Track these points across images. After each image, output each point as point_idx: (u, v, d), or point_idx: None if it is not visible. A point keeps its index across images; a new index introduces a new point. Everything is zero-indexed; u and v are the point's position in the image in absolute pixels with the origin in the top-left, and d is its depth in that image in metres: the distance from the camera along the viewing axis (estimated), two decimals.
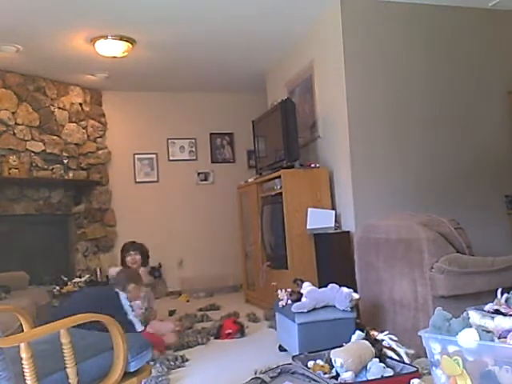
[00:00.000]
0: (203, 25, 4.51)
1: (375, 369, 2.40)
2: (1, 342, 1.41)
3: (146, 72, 5.74)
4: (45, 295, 4.38)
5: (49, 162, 5.57)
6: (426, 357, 2.19)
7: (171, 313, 4.90)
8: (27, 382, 1.46)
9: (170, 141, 6.63)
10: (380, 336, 2.66)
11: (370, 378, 2.37)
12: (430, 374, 2.21)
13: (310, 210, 4.26)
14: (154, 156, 6.55)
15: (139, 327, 3.17)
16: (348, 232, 4.12)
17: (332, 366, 2.49)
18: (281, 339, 3.31)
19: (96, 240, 6.09)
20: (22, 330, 2.07)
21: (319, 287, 3.25)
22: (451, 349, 1.97)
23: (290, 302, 3.17)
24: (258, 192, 5.00)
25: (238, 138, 6.89)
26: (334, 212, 4.25)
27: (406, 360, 2.53)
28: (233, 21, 4.48)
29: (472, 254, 2.90)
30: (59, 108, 5.75)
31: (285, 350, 3.22)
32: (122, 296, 3.23)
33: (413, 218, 3.06)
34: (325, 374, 2.45)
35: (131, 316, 3.15)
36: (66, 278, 5.22)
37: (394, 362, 2.52)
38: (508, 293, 2.31)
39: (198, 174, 6.74)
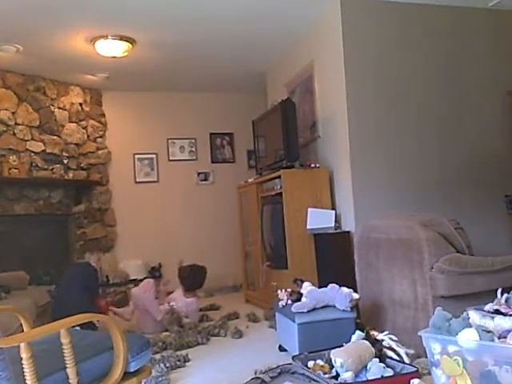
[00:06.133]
0: (203, 24, 4.52)
1: (375, 369, 2.40)
2: (1, 341, 1.40)
3: (146, 72, 5.74)
4: (45, 295, 4.38)
5: (49, 162, 5.56)
6: (426, 357, 2.20)
7: None
8: (27, 382, 1.46)
9: (170, 141, 6.63)
10: (380, 336, 2.66)
11: (369, 378, 2.37)
12: (430, 373, 2.21)
13: (309, 210, 4.26)
14: (153, 156, 6.55)
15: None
16: (348, 232, 4.12)
17: (332, 366, 2.49)
18: (281, 339, 3.31)
19: (96, 240, 6.09)
20: (22, 330, 2.07)
21: (319, 287, 3.25)
22: (451, 349, 1.97)
23: (289, 301, 3.17)
24: (258, 192, 5.00)
25: (238, 137, 6.89)
26: (333, 212, 4.25)
27: (406, 360, 2.53)
28: (233, 20, 4.48)
29: (472, 254, 2.90)
30: (59, 108, 5.75)
31: (285, 350, 3.22)
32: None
33: (413, 218, 3.06)
34: (325, 373, 2.45)
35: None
36: None
37: (394, 362, 2.52)
38: (508, 293, 2.32)
39: (198, 173, 6.74)
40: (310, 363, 2.57)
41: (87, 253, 4.36)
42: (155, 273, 6.16)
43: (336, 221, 4.23)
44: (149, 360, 1.96)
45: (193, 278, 4.54)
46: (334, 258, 4.03)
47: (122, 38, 4.62)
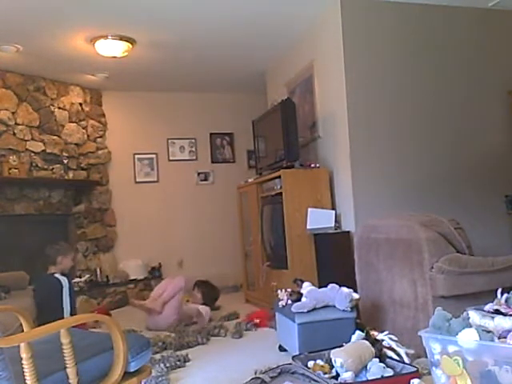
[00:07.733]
0: (203, 25, 4.52)
1: (375, 369, 2.40)
2: (1, 341, 1.40)
3: (146, 72, 5.74)
4: None
5: (49, 162, 5.57)
6: (426, 357, 2.20)
7: None
8: (27, 382, 1.46)
9: (170, 141, 6.63)
10: (380, 336, 2.66)
11: (369, 378, 2.37)
12: (430, 373, 2.21)
13: (310, 210, 4.26)
14: (153, 156, 6.55)
15: (66, 315, 3.72)
16: (348, 232, 4.12)
17: (332, 366, 2.48)
18: (281, 339, 3.31)
19: (96, 240, 6.09)
20: (22, 330, 2.07)
21: (319, 287, 3.25)
22: (451, 349, 1.97)
23: (289, 301, 3.17)
24: (258, 192, 5.00)
25: (237, 137, 6.89)
26: (333, 212, 4.25)
27: (406, 360, 2.53)
28: (233, 20, 4.48)
29: (472, 254, 2.90)
30: (59, 108, 5.75)
31: (285, 350, 3.22)
32: (65, 286, 3.76)
33: (413, 218, 3.06)
34: (325, 373, 2.45)
35: (64, 305, 3.74)
36: None
37: (394, 362, 2.52)
38: (508, 293, 2.31)
39: (198, 173, 6.74)
40: (310, 363, 2.56)
41: (59, 257, 3.95)
42: (155, 273, 6.18)
43: (336, 221, 4.22)
44: (149, 360, 1.96)
45: (210, 293, 4.89)
46: (334, 258, 4.03)
47: (122, 38, 4.62)
